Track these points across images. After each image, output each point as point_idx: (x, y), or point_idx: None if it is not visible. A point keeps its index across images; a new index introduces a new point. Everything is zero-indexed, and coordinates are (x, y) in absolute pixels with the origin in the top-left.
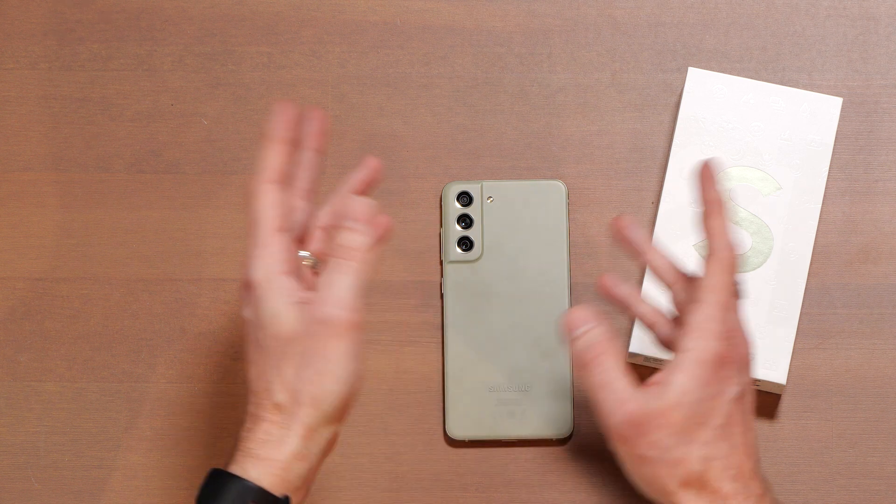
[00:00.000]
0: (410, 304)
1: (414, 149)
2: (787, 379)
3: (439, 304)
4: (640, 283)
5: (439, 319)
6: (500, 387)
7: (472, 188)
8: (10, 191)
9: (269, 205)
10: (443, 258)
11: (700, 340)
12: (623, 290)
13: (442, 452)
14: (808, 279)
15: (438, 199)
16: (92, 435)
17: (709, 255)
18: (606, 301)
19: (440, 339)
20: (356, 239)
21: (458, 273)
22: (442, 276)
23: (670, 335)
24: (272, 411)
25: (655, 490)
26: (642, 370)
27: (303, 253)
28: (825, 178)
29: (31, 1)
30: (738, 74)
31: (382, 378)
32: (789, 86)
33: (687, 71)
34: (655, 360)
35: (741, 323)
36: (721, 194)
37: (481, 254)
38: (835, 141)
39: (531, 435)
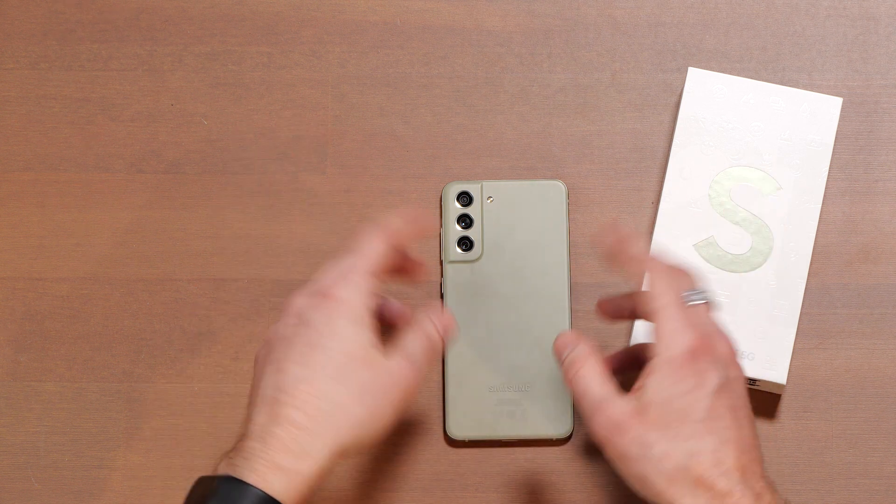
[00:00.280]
0: (410, 304)
1: (414, 149)
2: (787, 379)
3: (439, 304)
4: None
5: None
6: (500, 387)
7: (472, 188)
8: (10, 191)
9: (379, 250)
10: (443, 258)
11: (664, 342)
12: (619, 303)
13: (442, 452)
14: (808, 279)
15: (438, 200)
16: (92, 435)
17: (647, 273)
18: (609, 322)
19: None
20: (434, 338)
21: (458, 273)
22: (442, 276)
23: None
24: (310, 417)
25: (648, 489)
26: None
27: None
28: (825, 178)
29: (31, 1)
30: (738, 74)
31: None
32: (789, 86)
33: (687, 71)
34: None
35: (714, 322)
36: (639, 245)
37: (481, 254)
38: (835, 141)
39: (531, 435)
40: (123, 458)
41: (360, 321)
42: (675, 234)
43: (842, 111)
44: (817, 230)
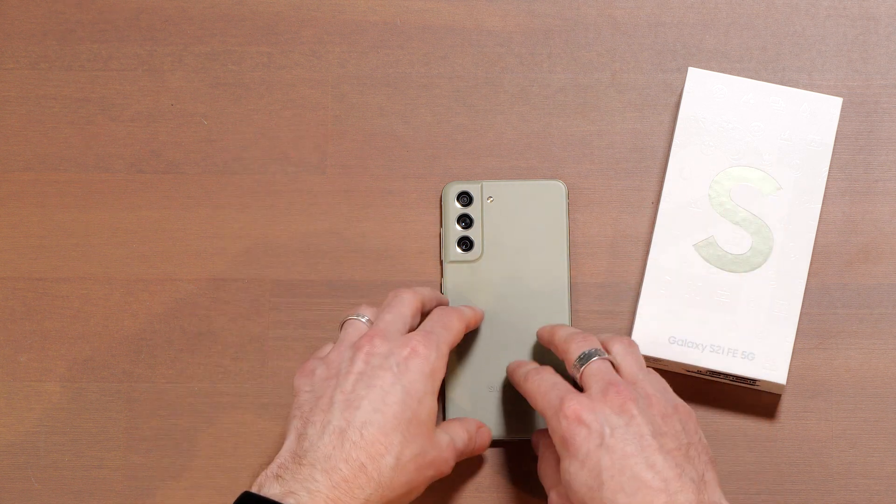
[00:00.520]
0: None
1: (414, 149)
2: (787, 379)
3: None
4: (640, 283)
5: None
6: (499, 386)
7: (472, 188)
8: (10, 191)
9: (461, 332)
10: (443, 258)
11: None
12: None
13: None
14: (808, 279)
15: (438, 199)
16: (92, 435)
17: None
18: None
19: None
20: (472, 442)
21: (458, 273)
22: (442, 275)
23: None
24: (375, 466)
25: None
26: None
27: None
28: (825, 178)
29: (31, 1)
30: (738, 74)
31: None
32: (789, 86)
33: (687, 71)
34: (655, 359)
35: (597, 379)
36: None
37: (481, 254)
38: (835, 141)
39: (531, 434)
40: (123, 458)
41: (436, 389)
42: (675, 234)
43: (842, 111)
44: (817, 230)
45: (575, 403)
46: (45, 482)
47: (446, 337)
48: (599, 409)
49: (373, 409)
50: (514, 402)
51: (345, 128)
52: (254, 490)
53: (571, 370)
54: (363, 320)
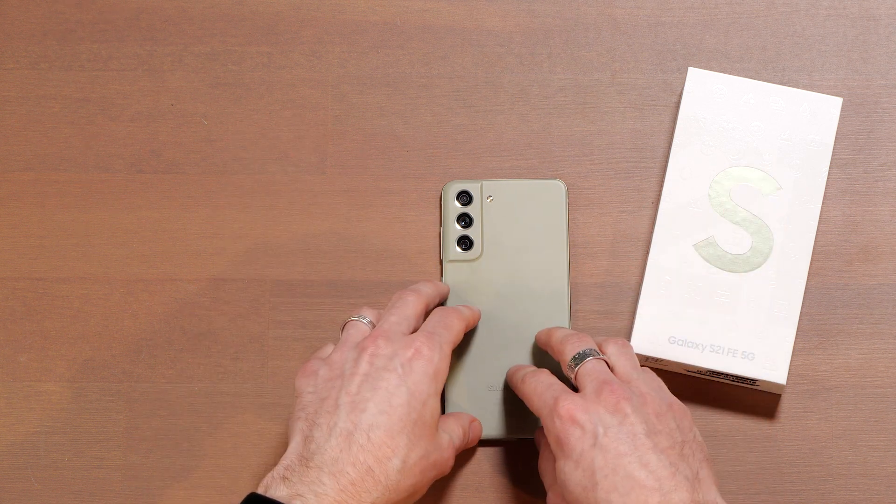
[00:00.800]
0: None
1: (414, 149)
2: (787, 379)
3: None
4: (640, 283)
5: None
6: (499, 386)
7: (472, 187)
8: (10, 191)
9: (461, 333)
10: (442, 257)
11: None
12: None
13: None
14: (808, 279)
15: (438, 199)
16: (92, 435)
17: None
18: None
19: None
20: (466, 437)
21: (458, 272)
22: (441, 275)
23: None
24: (382, 469)
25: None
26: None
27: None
28: (825, 178)
29: (31, 1)
30: (738, 74)
31: None
32: (789, 86)
33: (687, 71)
34: (655, 359)
35: (593, 379)
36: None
37: (481, 253)
38: (835, 141)
39: (530, 434)
40: (123, 458)
41: (439, 390)
42: (675, 234)
43: (842, 111)
44: (817, 230)
45: (569, 403)
46: (45, 482)
47: (448, 337)
48: (593, 408)
49: (379, 412)
50: (514, 401)
51: (345, 128)
52: (260, 491)
53: (567, 370)
54: (364, 321)
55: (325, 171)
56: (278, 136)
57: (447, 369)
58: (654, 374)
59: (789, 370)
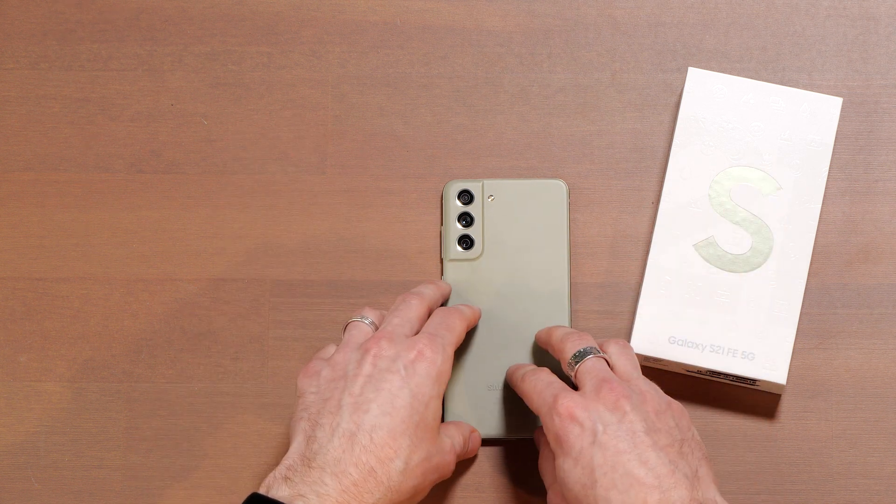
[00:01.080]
0: None
1: (414, 149)
2: (787, 379)
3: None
4: (640, 283)
5: None
6: (499, 385)
7: (473, 186)
8: (10, 191)
9: (463, 334)
10: (443, 256)
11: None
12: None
13: None
14: (808, 279)
15: (439, 198)
16: (92, 435)
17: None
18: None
19: None
20: (466, 445)
21: (458, 271)
22: (442, 274)
23: None
24: (385, 470)
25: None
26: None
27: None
28: (825, 178)
29: (31, 1)
30: (738, 74)
31: None
32: (789, 86)
33: (687, 71)
34: (655, 359)
35: (593, 377)
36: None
37: (481, 252)
38: (835, 141)
39: (531, 434)
40: (123, 458)
41: (441, 393)
42: (675, 234)
43: (842, 111)
44: (817, 230)
45: (568, 401)
46: (45, 482)
47: (450, 339)
48: (592, 406)
49: (381, 413)
50: (514, 400)
51: (345, 128)
52: (262, 491)
53: (566, 368)
54: (366, 322)
55: (325, 171)
56: (278, 136)
57: (450, 371)
58: (648, 380)
59: (789, 370)
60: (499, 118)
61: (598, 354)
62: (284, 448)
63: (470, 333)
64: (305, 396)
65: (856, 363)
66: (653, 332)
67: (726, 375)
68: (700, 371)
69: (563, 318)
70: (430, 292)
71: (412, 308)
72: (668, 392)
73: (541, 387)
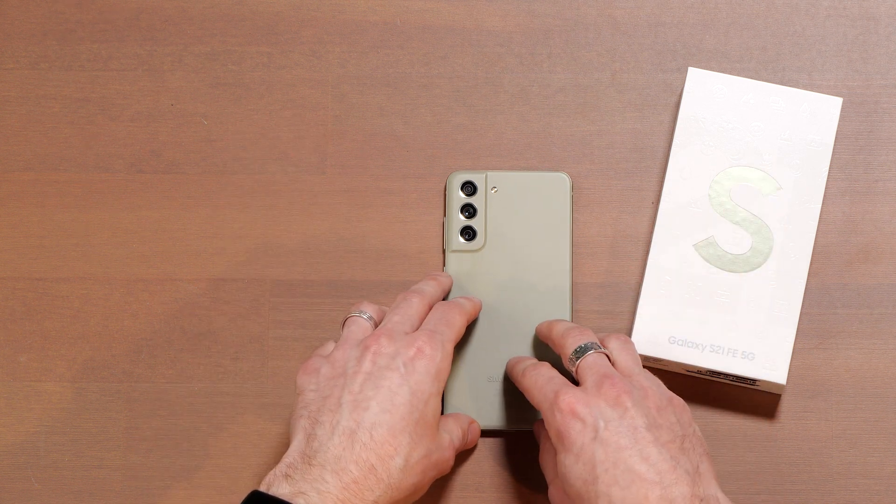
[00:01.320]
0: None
1: (414, 149)
2: (787, 379)
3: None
4: (640, 283)
5: None
6: (499, 377)
7: (477, 178)
8: (10, 191)
9: (462, 329)
10: (445, 247)
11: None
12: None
13: None
14: (808, 279)
15: (439, 198)
16: (92, 435)
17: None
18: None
19: None
20: (465, 438)
21: (460, 262)
22: (444, 265)
23: None
24: (385, 468)
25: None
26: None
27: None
28: (825, 178)
29: (31, 1)
30: (738, 74)
31: None
32: (789, 86)
33: (687, 71)
34: (655, 359)
35: (595, 374)
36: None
37: (484, 244)
38: (835, 141)
39: (530, 426)
40: (123, 458)
41: (440, 390)
42: (675, 234)
43: (842, 111)
44: (817, 230)
45: (569, 397)
46: (45, 482)
47: (450, 335)
48: (594, 402)
49: (381, 410)
50: (514, 392)
51: (345, 128)
52: (262, 489)
53: (567, 364)
54: (365, 317)
55: (325, 171)
56: (278, 136)
57: (449, 368)
58: (651, 374)
59: (789, 370)
60: (499, 118)
61: (599, 350)
62: (284, 448)
63: (471, 325)
64: (305, 394)
65: (856, 363)
66: (653, 332)
67: (726, 375)
68: (700, 371)
69: (564, 312)
70: (431, 289)
71: (412, 306)
72: None
73: (542, 382)
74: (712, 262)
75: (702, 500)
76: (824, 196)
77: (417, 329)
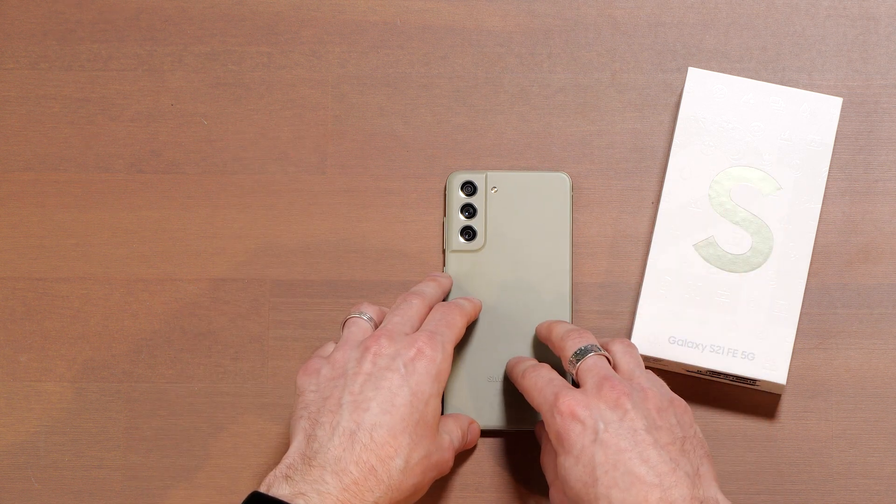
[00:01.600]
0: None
1: (414, 149)
2: (787, 379)
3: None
4: (640, 283)
5: None
6: (499, 377)
7: (477, 178)
8: (10, 191)
9: (463, 330)
10: (445, 247)
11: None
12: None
13: None
14: (808, 279)
15: (439, 198)
16: (92, 435)
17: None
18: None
19: None
20: (465, 439)
21: (460, 262)
22: (444, 265)
23: None
24: (385, 469)
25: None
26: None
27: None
28: (825, 178)
29: (31, 1)
30: (738, 74)
31: None
32: (789, 86)
33: (687, 71)
34: (655, 360)
35: (595, 376)
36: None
37: (484, 244)
38: (835, 141)
39: (531, 426)
40: (123, 458)
41: (440, 391)
42: (675, 234)
43: (842, 111)
44: (817, 230)
45: (569, 399)
46: (45, 482)
47: (450, 336)
48: (594, 404)
49: (381, 411)
50: (514, 392)
51: (345, 128)
52: (262, 490)
53: (567, 366)
54: (365, 318)
55: (325, 171)
56: (278, 136)
57: (449, 369)
58: (655, 375)
59: (789, 370)
60: (499, 118)
61: (600, 352)
62: (284, 448)
63: (471, 325)
64: (305, 395)
65: (856, 363)
66: (653, 332)
67: (726, 375)
68: (700, 371)
69: (564, 312)
70: (432, 291)
71: (413, 307)
72: None
73: (542, 384)
74: (712, 262)
75: (701, 502)
76: (824, 196)
77: (417, 330)
